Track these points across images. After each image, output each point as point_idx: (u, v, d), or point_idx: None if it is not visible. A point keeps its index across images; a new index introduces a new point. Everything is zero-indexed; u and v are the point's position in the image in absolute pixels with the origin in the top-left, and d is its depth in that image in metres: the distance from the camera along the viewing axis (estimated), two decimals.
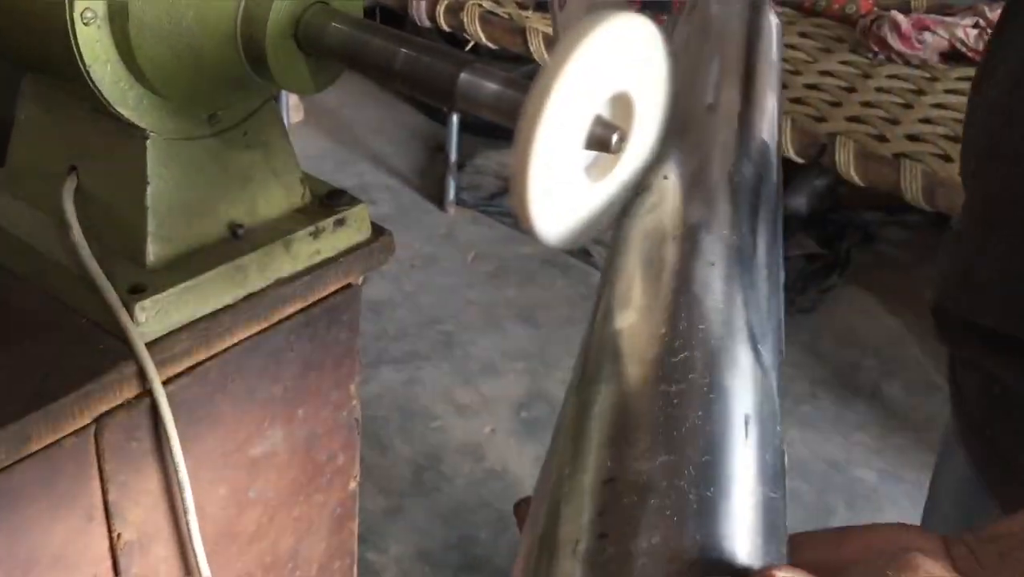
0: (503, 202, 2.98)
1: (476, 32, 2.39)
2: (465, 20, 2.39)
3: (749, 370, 0.49)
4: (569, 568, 0.41)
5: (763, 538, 0.43)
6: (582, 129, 0.53)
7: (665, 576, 0.40)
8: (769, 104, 0.65)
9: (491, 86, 0.61)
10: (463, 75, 0.61)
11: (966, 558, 0.50)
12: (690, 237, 0.54)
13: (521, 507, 0.51)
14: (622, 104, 0.55)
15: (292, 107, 3.31)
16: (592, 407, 0.47)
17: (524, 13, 2.39)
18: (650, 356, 0.48)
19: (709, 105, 0.63)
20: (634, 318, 0.51)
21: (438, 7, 2.42)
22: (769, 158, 0.62)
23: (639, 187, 0.58)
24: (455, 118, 2.88)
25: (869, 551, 0.49)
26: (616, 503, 0.42)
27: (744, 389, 0.48)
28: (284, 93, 2.58)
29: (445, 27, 2.46)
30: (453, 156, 2.97)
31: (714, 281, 0.52)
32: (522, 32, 2.30)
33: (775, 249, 0.58)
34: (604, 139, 0.54)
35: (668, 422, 0.45)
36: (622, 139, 0.54)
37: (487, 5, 2.40)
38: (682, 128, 0.60)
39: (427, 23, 2.48)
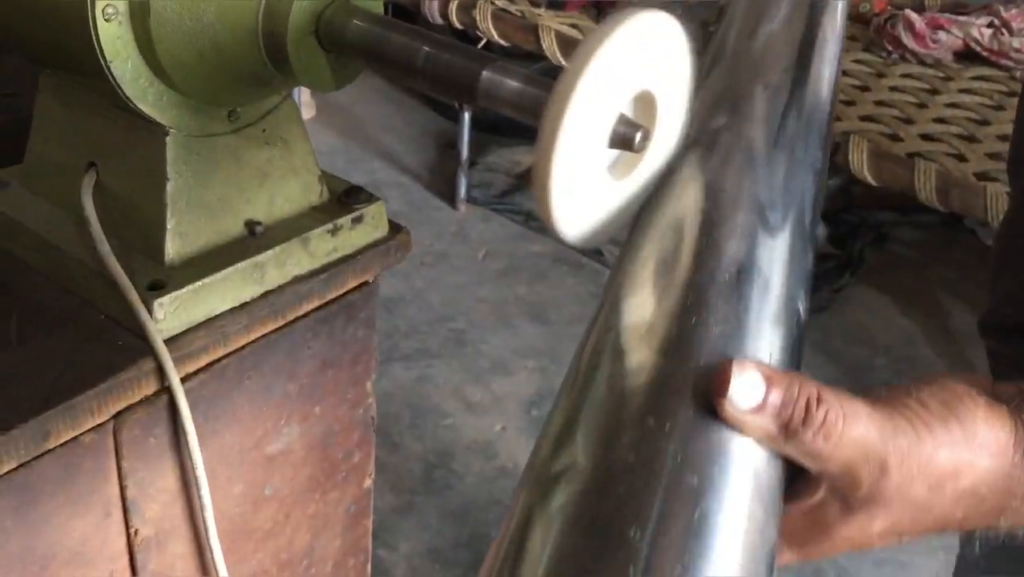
0: (514, 200, 2.98)
1: (488, 29, 2.38)
2: (477, 17, 2.39)
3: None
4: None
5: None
6: (606, 127, 0.53)
7: None
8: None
9: (513, 84, 0.61)
10: (485, 73, 0.61)
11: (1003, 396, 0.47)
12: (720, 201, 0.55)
13: None
14: (645, 102, 0.55)
15: (304, 104, 3.31)
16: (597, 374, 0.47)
17: (536, 10, 2.39)
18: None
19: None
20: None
21: (451, 5, 2.42)
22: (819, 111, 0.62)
23: (661, 185, 0.58)
24: (466, 116, 2.88)
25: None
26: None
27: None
28: (297, 89, 2.58)
29: (457, 24, 2.46)
30: (464, 153, 2.97)
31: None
32: (534, 29, 2.30)
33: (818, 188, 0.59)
34: (628, 138, 0.53)
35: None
36: (645, 138, 0.54)
37: (500, 3, 2.39)
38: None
39: (439, 20, 2.48)
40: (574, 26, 2.33)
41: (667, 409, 0.42)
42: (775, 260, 0.51)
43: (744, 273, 0.48)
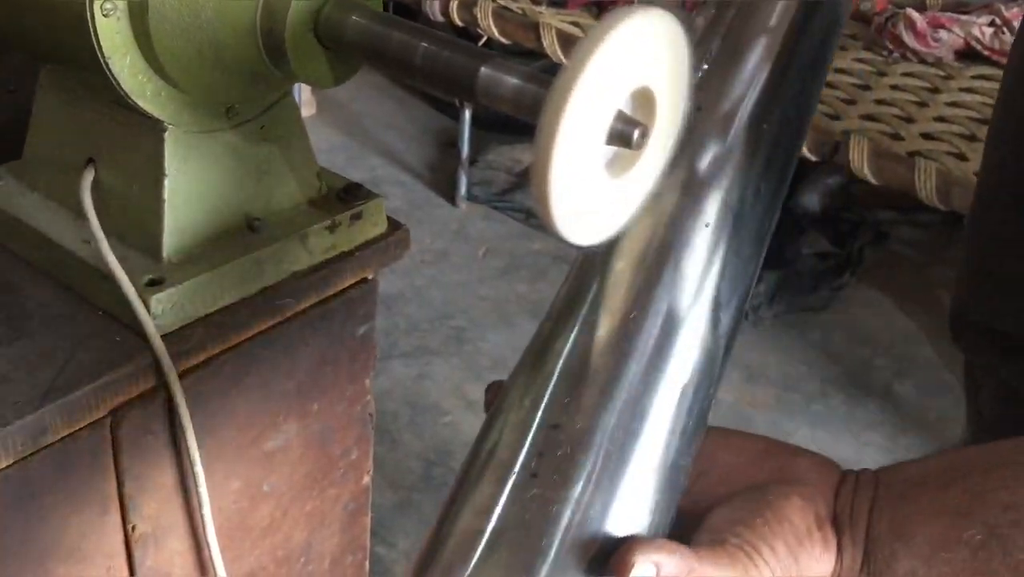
0: (515, 198, 2.98)
1: (489, 27, 2.38)
2: (478, 15, 2.38)
3: (701, 338, 0.56)
4: (491, 492, 0.53)
5: (662, 496, 0.54)
6: (604, 125, 0.53)
7: (570, 527, 0.50)
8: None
9: (512, 81, 0.61)
10: (483, 70, 0.61)
11: (846, 496, 0.58)
12: (693, 192, 0.59)
13: (491, 390, 0.62)
14: (644, 99, 0.55)
15: (304, 101, 3.31)
16: (559, 345, 0.56)
17: (537, 8, 2.39)
18: (619, 312, 0.56)
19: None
20: (620, 266, 0.58)
21: (451, 3, 2.42)
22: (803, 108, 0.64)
23: (660, 182, 0.58)
24: (467, 113, 2.88)
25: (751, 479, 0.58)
26: (553, 450, 0.52)
27: (689, 359, 0.56)
28: (297, 86, 2.58)
29: (458, 22, 2.45)
30: (465, 151, 2.97)
31: (700, 245, 0.58)
32: (535, 27, 2.30)
33: (775, 203, 0.63)
34: (626, 135, 0.53)
35: (615, 383, 0.54)
36: (644, 135, 0.54)
37: (501, 0, 2.39)
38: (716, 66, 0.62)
39: (440, 18, 2.47)
40: (575, 24, 2.32)
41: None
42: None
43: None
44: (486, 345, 2.52)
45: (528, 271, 2.78)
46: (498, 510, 0.52)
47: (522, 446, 0.53)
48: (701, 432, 0.58)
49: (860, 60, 2.29)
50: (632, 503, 0.53)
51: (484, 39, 2.43)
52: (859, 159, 1.91)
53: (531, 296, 2.69)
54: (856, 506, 0.57)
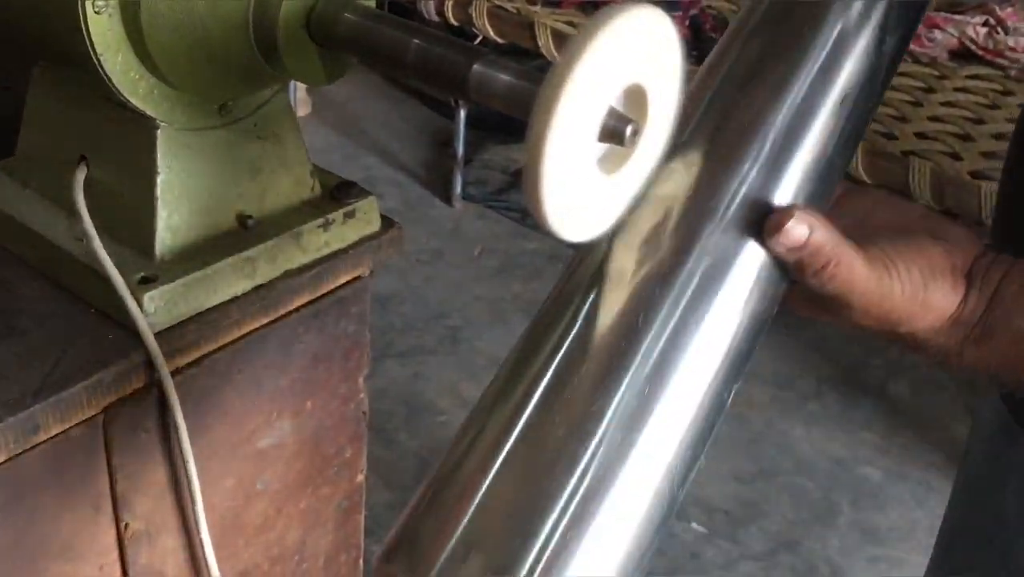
0: (510, 197, 2.98)
1: (484, 26, 2.38)
2: (473, 14, 2.38)
3: (867, 53, 0.62)
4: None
5: (816, 186, 0.59)
6: (595, 122, 0.53)
7: (735, 197, 0.57)
8: None
9: (504, 78, 0.61)
10: (476, 67, 0.61)
11: (984, 260, 0.62)
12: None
13: None
14: (636, 97, 0.55)
15: (299, 101, 3.30)
16: None
17: (533, 8, 2.39)
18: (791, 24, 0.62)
19: None
20: None
21: (447, 2, 2.42)
22: None
23: (652, 180, 0.58)
24: (462, 113, 2.88)
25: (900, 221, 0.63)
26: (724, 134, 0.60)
27: (854, 70, 0.62)
28: (292, 85, 2.58)
29: (453, 21, 2.45)
30: (460, 151, 2.97)
31: None
32: (531, 27, 2.30)
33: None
34: (618, 132, 0.53)
35: (784, 84, 0.60)
36: (636, 132, 0.54)
37: (496, 0, 2.39)
38: None
39: (435, 17, 2.48)
40: (570, 23, 2.33)
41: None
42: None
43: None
44: (481, 344, 2.52)
45: (523, 270, 2.79)
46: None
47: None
48: (857, 139, 0.63)
49: None
50: (790, 186, 0.58)
51: (479, 38, 2.43)
52: (853, 159, 1.91)
53: (526, 295, 2.70)
54: (991, 270, 0.61)
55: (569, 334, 0.54)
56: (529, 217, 2.98)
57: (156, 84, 0.74)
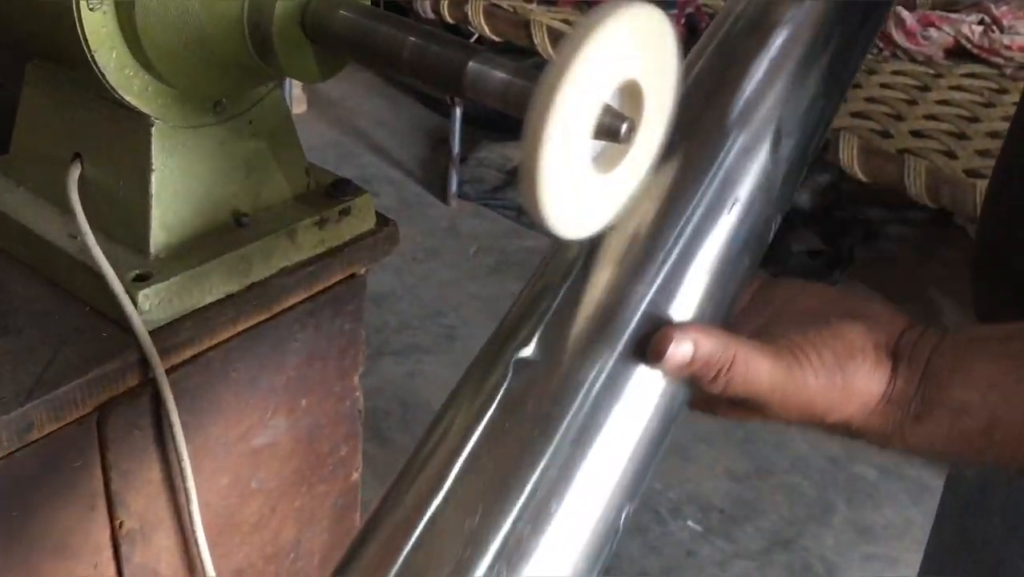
0: (506, 195, 2.98)
1: (480, 25, 2.38)
2: (469, 12, 2.38)
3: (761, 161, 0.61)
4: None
5: (711, 297, 0.58)
6: (591, 119, 0.53)
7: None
8: None
9: (500, 75, 0.61)
10: (472, 64, 0.61)
11: (910, 336, 0.59)
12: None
13: None
14: (632, 94, 0.55)
15: (295, 98, 3.30)
16: None
17: (528, 6, 2.39)
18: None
19: None
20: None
21: (443, 0, 2.42)
22: None
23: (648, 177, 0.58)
24: (458, 111, 2.88)
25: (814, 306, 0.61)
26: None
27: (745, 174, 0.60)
28: (288, 83, 2.58)
29: (449, 19, 2.45)
30: (456, 149, 2.97)
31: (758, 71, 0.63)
32: (526, 25, 2.30)
33: (848, 53, 0.67)
34: (613, 129, 0.53)
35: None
36: (631, 129, 0.54)
37: None
38: None
39: (431, 15, 2.47)
40: (566, 22, 2.33)
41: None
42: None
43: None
44: (477, 342, 2.50)
45: (519, 269, 2.78)
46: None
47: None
48: (755, 249, 0.62)
49: None
50: (688, 297, 0.57)
51: (475, 36, 2.43)
52: (849, 157, 1.91)
53: None
54: (920, 344, 0.58)
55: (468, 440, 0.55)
56: (525, 215, 2.99)
57: (151, 81, 0.74)
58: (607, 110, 0.53)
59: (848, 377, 0.57)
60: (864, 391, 0.57)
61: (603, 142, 0.54)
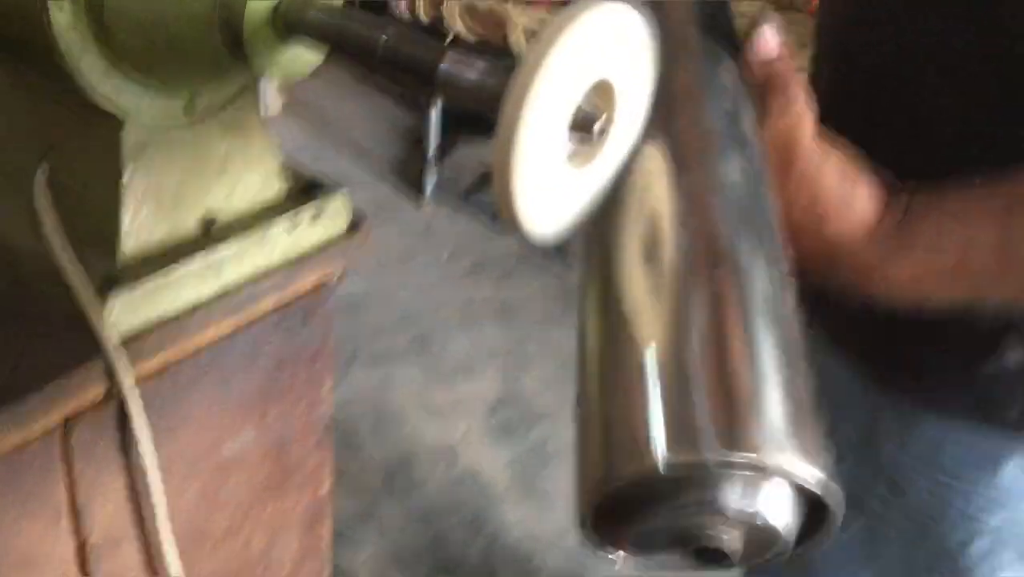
0: (481, 197, 2.98)
1: (456, 24, 2.37)
2: (446, 12, 2.38)
3: None
4: None
5: None
6: (565, 116, 0.52)
7: None
8: None
9: (472, 74, 0.60)
10: (444, 63, 0.60)
11: (893, 193, 0.65)
12: None
13: None
14: (605, 92, 0.55)
15: (270, 99, 3.29)
16: None
17: (505, 5, 2.38)
18: None
19: None
20: None
21: (418, 0, 2.42)
22: None
23: (623, 175, 0.58)
24: (434, 113, 2.87)
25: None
26: None
27: None
28: (263, 83, 2.56)
29: (425, 19, 2.45)
30: (431, 150, 2.96)
31: None
32: (503, 25, 2.29)
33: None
34: (587, 126, 0.53)
35: None
36: (605, 127, 0.53)
37: None
38: None
39: (407, 14, 2.47)
40: (543, 22, 2.32)
41: None
42: None
43: None
44: (451, 349, 2.51)
45: (493, 272, 2.77)
46: None
47: None
48: None
49: None
50: None
51: (451, 36, 2.42)
52: None
53: (496, 298, 2.68)
54: (902, 193, 0.65)
55: None
56: (499, 219, 3.00)
57: (120, 81, 0.72)
58: (580, 108, 0.53)
59: (856, 189, 0.63)
60: (863, 209, 0.63)
61: (576, 140, 0.54)
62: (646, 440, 0.48)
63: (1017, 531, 0.85)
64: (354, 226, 0.88)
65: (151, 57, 0.70)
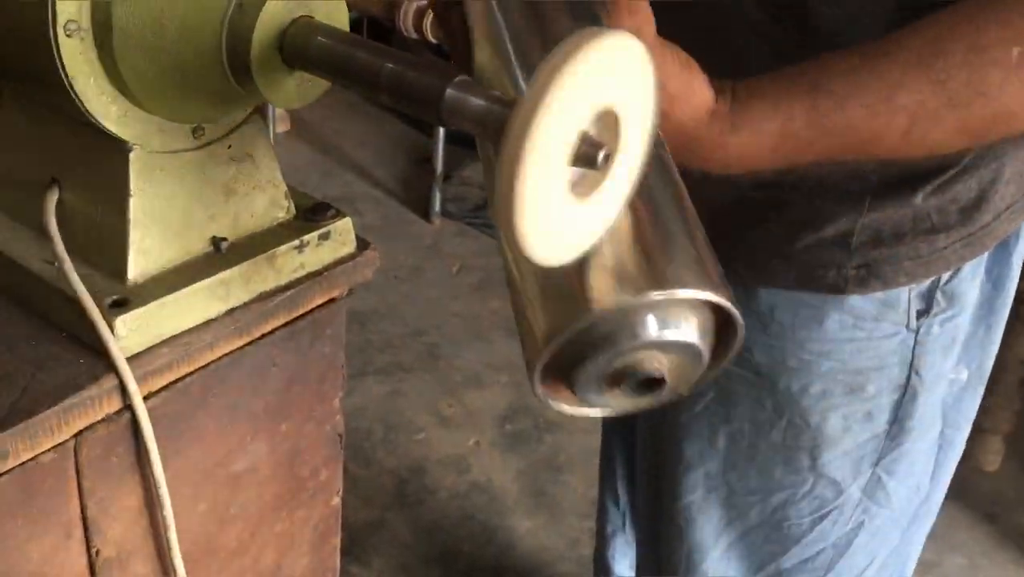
0: (488, 214, 2.98)
1: None
2: None
3: None
4: None
5: None
6: (568, 146, 0.53)
7: None
8: None
9: (477, 101, 0.60)
10: (449, 90, 0.61)
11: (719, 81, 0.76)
12: None
13: None
14: (609, 121, 0.55)
15: (279, 118, 3.30)
16: None
17: None
18: None
19: None
20: None
21: (425, 19, 2.42)
22: None
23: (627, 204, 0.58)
24: (441, 130, 2.88)
25: None
26: None
27: None
28: (270, 105, 2.57)
29: (432, 39, 2.45)
30: (439, 168, 2.97)
31: None
32: None
33: None
34: (590, 156, 0.53)
35: None
36: (608, 156, 0.54)
37: None
38: None
39: (414, 35, 2.48)
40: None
41: None
42: None
43: None
44: (460, 361, 2.52)
45: (501, 286, 2.76)
46: None
47: None
48: None
49: None
50: None
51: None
52: None
53: (504, 311, 2.69)
54: (723, 81, 0.75)
55: None
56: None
57: (128, 107, 0.74)
58: (584, 137, 0.53)
59: (694, 77, 0.73)
60: (701, 94, 0.73)
61: (580, 169, 0.54)
62: (581, 294, 0.60)
63: (843, 374, 1.01)
64: (362, 245, 0.90)
65: (159, 85, 0.72)
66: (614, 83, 0.53)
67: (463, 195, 3.05)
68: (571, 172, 0.54)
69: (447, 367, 2.50)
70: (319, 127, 3.40)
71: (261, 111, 0.85)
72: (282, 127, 3.35)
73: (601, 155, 0.53)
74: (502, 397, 2.41)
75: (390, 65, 0.64)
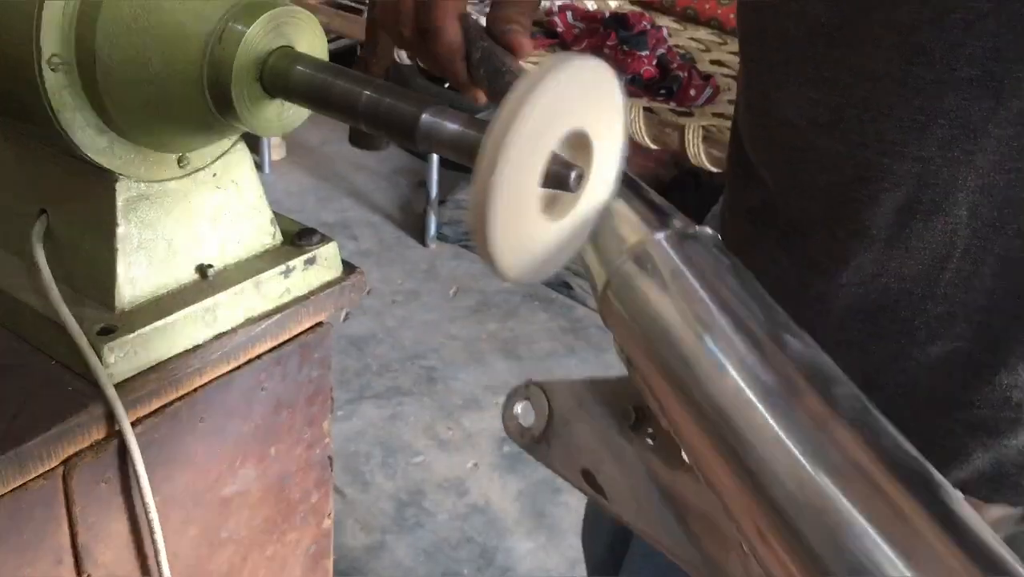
0: None
1: None
2: None
3: None
4: None
5: None
6: (539, 168, 0.54)
7: None
8: None
9: (452, 126, 0.62)
10: (424, 116, 0.62)
11: None
12: None
13: None
14: (580, 143, 0.56)
15: (274, 145, 3.32)
16: None
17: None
18: None
19: None
20: None
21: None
22: None
23: (599, 224, 0.59)
24: (435, 155, 2.90)
25: None
26: None
27: None
28: None
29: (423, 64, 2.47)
30: (434, 192, 2.98)
31: None
32: None
33: None
34: (562, 177, 0.54)
35: None
36: (580, 177, 0.55)
37: None
38: None
39: (406, 60, 2.49)
40: (536, 64, 2.36)
41: None
42: None
43: None
44: (457, 384, 2.52)
45: (498, 309, 2.79)
46: None
47: None
48: None
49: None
50: None
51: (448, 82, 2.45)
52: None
53: (502, 334, 2.70)
54: None
55: None
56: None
57: (114, 139, 0.75)
58: (555, 159, 0.54)
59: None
60: None
61: (552, 191, 0.55)
62: None
63: None
64: (349, 270, 0.91)
65: (143, 117, 0.73)
66: (584, 105, 0.55)
67: (458, 219, 3.07)
68: (543, 193, 0.55)
69: (445, 390, 2.51)
70: (314, 153, 3.42)
71: (255, 139, 0.86)
72: (277, 154, 3.37)
73: (573, 175, 0.54)
74: (500, 419, 2.41)
75: (368, 93, 0.65)
